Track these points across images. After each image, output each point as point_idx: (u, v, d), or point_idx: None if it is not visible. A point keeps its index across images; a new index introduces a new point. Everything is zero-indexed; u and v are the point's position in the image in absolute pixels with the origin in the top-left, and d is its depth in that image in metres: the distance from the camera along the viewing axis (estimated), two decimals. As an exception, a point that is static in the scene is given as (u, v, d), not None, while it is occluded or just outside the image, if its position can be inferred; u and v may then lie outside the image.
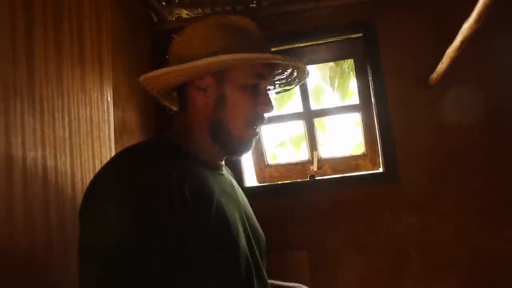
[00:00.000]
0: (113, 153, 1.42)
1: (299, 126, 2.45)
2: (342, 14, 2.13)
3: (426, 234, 1.96)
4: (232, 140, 1.01)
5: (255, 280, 0.96)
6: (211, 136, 1.01)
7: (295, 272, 1.98)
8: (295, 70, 1.16)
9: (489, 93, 1.96)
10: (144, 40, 2.11)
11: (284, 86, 1.24)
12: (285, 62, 1.01)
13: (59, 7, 1.17)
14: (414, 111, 2.03)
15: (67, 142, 1.14)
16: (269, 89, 1.18)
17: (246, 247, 0.96)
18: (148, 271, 0.75)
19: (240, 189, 1.21)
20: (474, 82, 1.98)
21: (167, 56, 1.09)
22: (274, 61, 1.00)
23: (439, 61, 1.77)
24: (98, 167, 1.29)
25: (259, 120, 1.04)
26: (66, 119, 1.15)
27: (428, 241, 1.96)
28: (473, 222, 1.94)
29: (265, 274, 1.04)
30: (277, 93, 1.29)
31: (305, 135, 2.38)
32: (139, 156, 0.88)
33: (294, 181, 2.32)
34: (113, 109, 1.57)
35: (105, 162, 1.33)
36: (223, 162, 1.12)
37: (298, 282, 1.93)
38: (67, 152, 1.14)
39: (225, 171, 1.14)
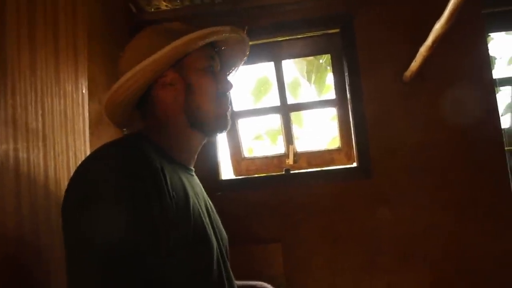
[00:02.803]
0: (87, 146, 1.41)
1: (276, 120, 2.46)
2: (320, 9, 2.14)
3: (399, 226, 2.00)
4: (210, 120, 1.07)
5: (225, 279, 1.00)
6: (189, 123, 1.06)
7: (270, 264, 2.00)
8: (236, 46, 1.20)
9: (462, 90, 2.00)
10: (122, 31, 2.08)
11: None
12: (230, 33, 1.08)
13: (33, -3, 1.15)
14: (388, 107, 2.07)
15: (40, 135, 1.13)
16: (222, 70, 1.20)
17: (217, 247, 1.01)
18: (143, 262, 0.76)
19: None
20: (447, 79, 2.02)
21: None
22: (223, 33, 1.07)
23: (414, 58, 1.80)
24: (72, 160, 1.29)
25: (225, 97, 1.11)
26: (40, 112, 1.14)
27: (401, 234, 2.00)
28: (446, 215, 1.98)
29: (231, 272, 1.09)
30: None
31: (282, 128, 2.39)
32: (125, 148, 0.91)
33: (269, 174, 2.34)
34: (90, 101, 1.55)
35: (79, 154, 1.34)
36: (194, 160, 1.14)
37: (272, 274, 1.98)
38: (40, 144, 1.13)
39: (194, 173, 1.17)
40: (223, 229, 1.17)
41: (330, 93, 2.88)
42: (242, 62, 1.26)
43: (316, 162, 2.35)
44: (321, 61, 2.93)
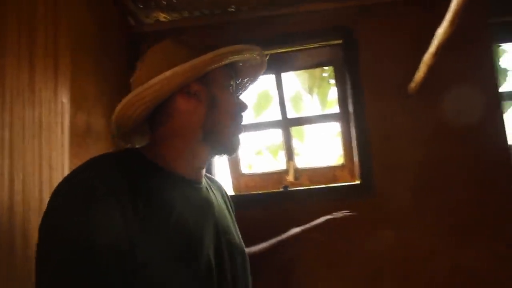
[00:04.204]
0: (66, 157, 1.36)
1: (278, 135, 2.38)
2: (322, 20, 2.07)
3: (402, 249, 1.87)
4: (226, 137, 1.08)
5: None
6: (204, 137, 1.06)
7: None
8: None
9: (470, 103, 1.89)
10: (119, 43, 2.04)
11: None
12: (254, 53, 1.11)
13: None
14: (393, 121, 1.96)
15: (6, 143, 1.07)
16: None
17: (211, 261, 0.97)
18: (100, 283, 0.76)
19: (224, 202, 1.29)
20: (453, 92, 1.91)
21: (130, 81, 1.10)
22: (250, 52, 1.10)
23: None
24: (45, 170, 1.23)
25: (241, 118, 1.13)
26: (7, 119, 1.08)
27: (405, 257, 1.87)
28: (453, 238, 1.85)
29: None
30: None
31: (282, 144, 2.31)
32: (96, 168, 0.90)
33: (266, 191, 2.24)
34: (78, 112, 1.51)
35: (55, 165, 1.28)
36: (202, 174, 1.13)
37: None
38: (6, 153, 1.07)
39: (205, 184, 1.15)
40: (239, 245, 1.16)
41: (335, 108, 2.80)
42: (250, 86, 1.28)
43: (318, 179, 2.26)
44: (324, 74, 2.85)
